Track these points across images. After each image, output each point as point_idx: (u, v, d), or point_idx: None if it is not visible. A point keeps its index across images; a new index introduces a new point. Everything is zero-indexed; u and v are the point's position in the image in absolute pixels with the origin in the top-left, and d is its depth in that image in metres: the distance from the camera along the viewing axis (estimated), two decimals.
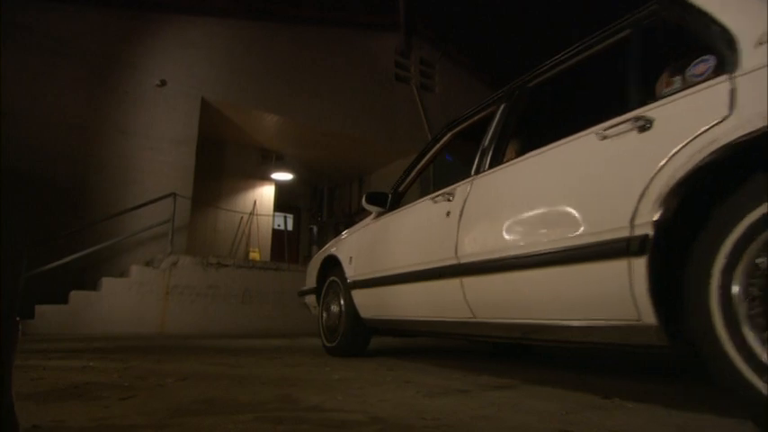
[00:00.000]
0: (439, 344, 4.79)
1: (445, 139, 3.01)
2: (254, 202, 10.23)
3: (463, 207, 2.21)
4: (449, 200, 2.39)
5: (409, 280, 2.57)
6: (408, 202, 3.03)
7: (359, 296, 3.14)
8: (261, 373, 2.53)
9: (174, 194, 6.91)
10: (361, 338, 3.33)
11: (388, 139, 10.23)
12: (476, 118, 2.73)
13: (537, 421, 1.47)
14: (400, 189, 3.21)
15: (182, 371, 2.54)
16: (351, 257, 3.27)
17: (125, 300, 6.04)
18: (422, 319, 2.62)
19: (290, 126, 9.41)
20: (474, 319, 2.14)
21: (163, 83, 7.69)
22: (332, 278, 3.56)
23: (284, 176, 10.73)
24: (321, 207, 12.62)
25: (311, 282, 3.91)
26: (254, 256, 9.56)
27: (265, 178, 10.55)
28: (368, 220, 3.32)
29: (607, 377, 2.61)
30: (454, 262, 2.15)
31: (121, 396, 1.74)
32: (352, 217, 12.22)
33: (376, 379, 2.39)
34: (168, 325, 6.25)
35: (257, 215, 10.15)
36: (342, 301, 3.32)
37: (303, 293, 4.12)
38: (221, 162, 10.00)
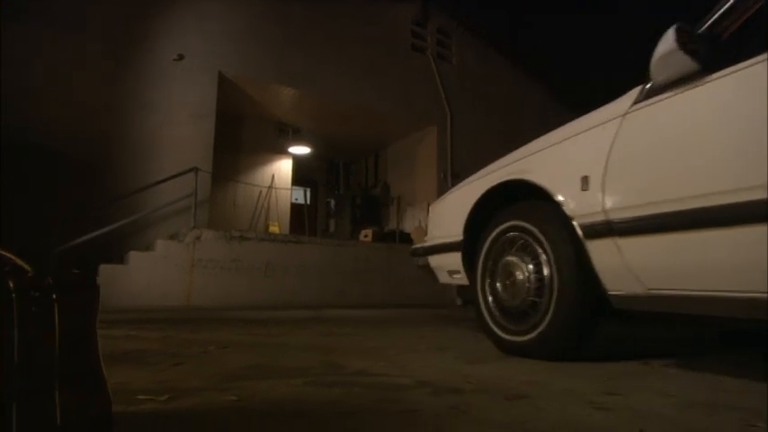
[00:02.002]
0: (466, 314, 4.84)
1: None
2: (273, 176, 10.28)
3: None
4: None
5: None
6: None
7: (621, 251, 1.69)
8: (297, 342, 2.60)
9: (195, 169, 6.96)
10: (587, 328, 1.94)
11: (405, 111, 10.14)
12: None
13: (583, 385, 1.50)
14: (719, 30, 1.56)
15: (219, 340, 2.61)
16: (587, 178, 1.82)
17: (152, 273, 6.16)
18: None
19: (305, 99, 9.36)
20: None
21: (180, 57, 7.66)
22: (510, 223, 2.21)
23: (301, 150, 10.72)
24: (338, 181, 12.64)
25: (453, 230, 2.53)
26: (274, 229, 9.66)
27: (283, 152, 10.56)
28: (622, 102, 1.80)
29: (640, 345, 2.63)
30: None
31: (173, 362, 1.81)
32: (369, 190, 12.25)
33: (410, 346, 2.43)
34: (194, 298, 6.38)
35: (275, 189, 10.21)
36: (550, 262, 1.97)
37: (428, 252, 2.85)
38: (239, 136, 10.01)
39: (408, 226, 10.46)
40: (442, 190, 10.14)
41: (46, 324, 0.85)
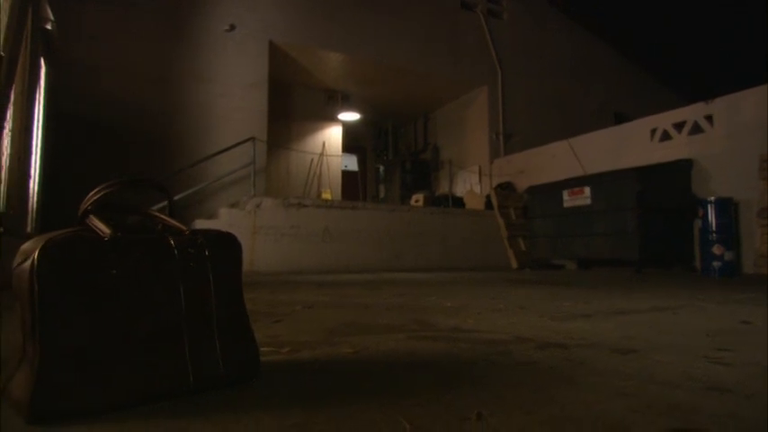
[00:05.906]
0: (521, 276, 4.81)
1: None
2: (323, 143, 10.37)
3: None
4: None
5: None
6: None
7: None
8: (375, 302, 2.67)
9: (253, 138, 7.12)
10: None
11: (454, 72, 9.91)
12: None
13: (687, 342, 1.48)
14: None
15: (301, 300, 2.72)
16: None
17: None
18: None
19: (354, 64, 9.30)
20: None
21: (232, 27, 7.74)
22: None
23: (351, 116, 10.73)
24: (386, 146, 12.61)
25: None
26: (326, 196, 9.81)
27: (332, 119, 10.61)
28: None
29: (724, 306, 2.55)
30: None
31: (271, 320, 1.91)
32: (418, 155, 12.17)
33: (489, 305, 2.46)
34: (257, 263, 6.63)
35: (326, 156, 10.31)
36: None
37: None
38: (289, 105, 10.12)
39: (459, 190, 10.37)
40: (493, 152, 9.96)
41: (202, 277, 0.91)
